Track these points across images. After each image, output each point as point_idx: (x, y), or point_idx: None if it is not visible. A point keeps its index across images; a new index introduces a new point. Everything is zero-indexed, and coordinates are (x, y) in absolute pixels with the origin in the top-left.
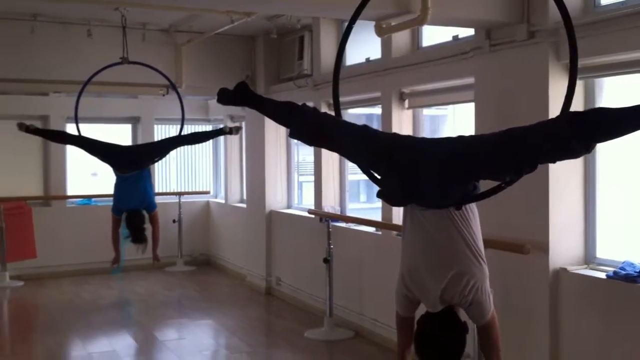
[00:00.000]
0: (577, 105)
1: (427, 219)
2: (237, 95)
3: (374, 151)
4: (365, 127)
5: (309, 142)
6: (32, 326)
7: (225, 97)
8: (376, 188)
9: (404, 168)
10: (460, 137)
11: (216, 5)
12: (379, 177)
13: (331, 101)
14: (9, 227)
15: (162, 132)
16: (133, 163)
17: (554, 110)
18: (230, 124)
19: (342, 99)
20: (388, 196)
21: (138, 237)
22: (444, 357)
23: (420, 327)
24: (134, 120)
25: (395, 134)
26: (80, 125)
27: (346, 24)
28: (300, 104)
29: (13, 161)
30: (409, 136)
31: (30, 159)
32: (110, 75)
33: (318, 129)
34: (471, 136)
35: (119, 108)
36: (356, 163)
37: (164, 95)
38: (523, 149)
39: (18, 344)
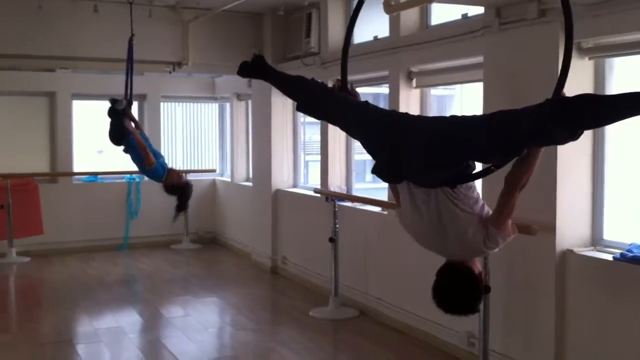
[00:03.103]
0: (586, 86)
1: (417, 196)
2: (255, 68)
3: (369, 127)
4: (365, 103)
5: (314, 115)
6: (39, 302)
7: (245, 70)
8: None
9: (393, 146)
10: (453, 117)
11: None
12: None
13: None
14: (15, 204)
15: (169, 109)
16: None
17: (564, 90)
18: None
19: (349, 78)
20: (380, 172)
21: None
22: (458, 308)
23: (437, 278)
24: (141, 98)
25: (392, 110)
26: (85, 102)
27: (353, 1)
28: (309, 78)
29: (20, 137)
30: (402, 113)
31: (37, 135)
32: (116, 52)
33: (323, 104)
34: (462, 117)
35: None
36: (358, 139)
37: (170, 72)
38: (513, 133)
39: (25, 320)
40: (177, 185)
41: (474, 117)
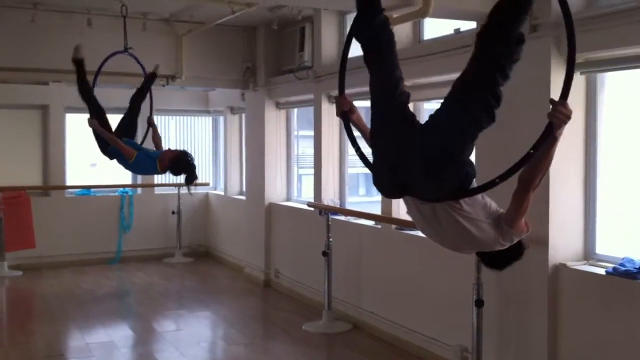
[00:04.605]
0: (578, 101)
1: (424, 212)
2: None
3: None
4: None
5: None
6: (31, 316)
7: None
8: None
9: (392, 161)
10: (430, 117)
11: None
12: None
13: (332, 93)
14: (7, 217)
15: (162, 123)
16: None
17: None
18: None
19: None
20: (379, 187)
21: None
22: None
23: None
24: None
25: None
26: (77, 115)
27: (347, 15)
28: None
29: (12, 150)
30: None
31: (29, 148)
32: (109, 65)
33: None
34: (435, 113)
35: (118, 98)
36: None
37: (163, 85)
38: (470, 87)
39: (16, 333)
40: (174, 160)
41: (440, 106)
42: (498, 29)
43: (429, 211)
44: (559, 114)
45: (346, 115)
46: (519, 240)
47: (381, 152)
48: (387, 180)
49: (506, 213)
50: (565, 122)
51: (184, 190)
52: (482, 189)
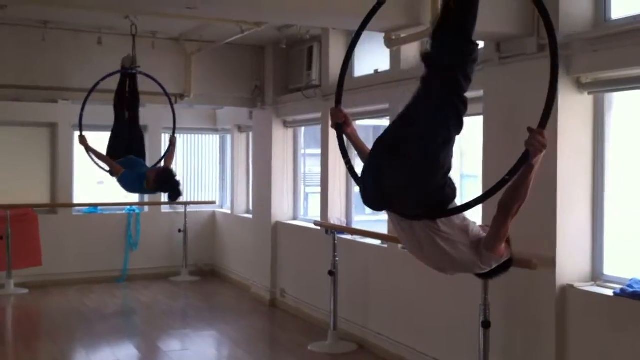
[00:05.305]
0: (585, 120)
1: (404, 227)
2: None
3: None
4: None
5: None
6: (36, 334)
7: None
8: None
9: (366, 170)
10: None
11: (227, 15)
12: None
13: None
14: (15, 234)
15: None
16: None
17: (563, 125)
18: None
19: (349, 110)
20: (365, 199)
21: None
22: None
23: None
24: (142, 129)
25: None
26: (87, 133)
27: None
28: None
29: (21, 168)
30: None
31: (37, 165)
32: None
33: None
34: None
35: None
36: None
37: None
38: (443, 90)
39: (22, 351)
40: (158, 178)
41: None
42: (452, 38)
43: (408, 228)
44: (535, 142)
45: (341, 127)
46: (509, 256)
47: (369, 163)
48: (371, 192)
49: (486, 237)
50: (541, 151)
51: (190, 208)
52: (459, 210)
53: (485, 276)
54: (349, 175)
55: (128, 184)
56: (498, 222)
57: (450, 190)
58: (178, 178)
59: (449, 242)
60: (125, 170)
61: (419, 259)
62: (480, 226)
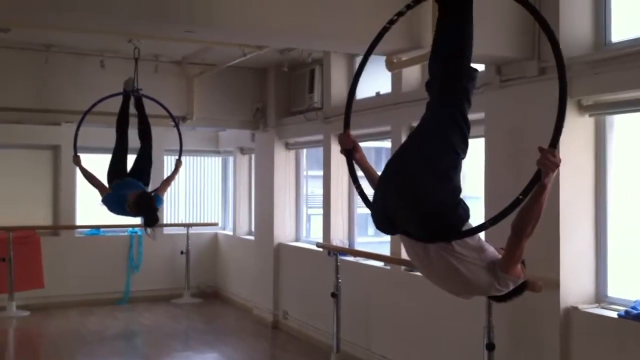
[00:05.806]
0: (587, 143)
1: (417, 250)
2: None
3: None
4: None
5: None
6: (38, 357)
7: None
8: None
9: (378, 195)
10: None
11: (227, 39)
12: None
13: None
14: (17, 257)
15: (172, 163)
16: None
17: (564, 147)
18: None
19: (352, 132)
20: (376, 223)
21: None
22: None
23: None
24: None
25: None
26: (88, 155)
27: (356, 58)
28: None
29: (23, 190)
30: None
31: (40, 188)
32: (114, 105)
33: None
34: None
35: (129, 139)
36: None
37: (174, 126)
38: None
39: None
40: (134, 201)
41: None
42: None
43: (422, 252)
44: (547, 162)
45: (350, 153)
46: (525, 279)
47: (380, 188)
48: (384, 216)
49: (501, 259)
50: (553, 170)
51: (192, 230)
52: (473, 231)
53: (501, 299)
54: (351, 197)
55: (111, 205)
56: (512, 244)
57: (463, 211)
58: (157, 205)
59: (465, 263)
60: (108, 192)
61: (434, 282)
62: (496, 248)
